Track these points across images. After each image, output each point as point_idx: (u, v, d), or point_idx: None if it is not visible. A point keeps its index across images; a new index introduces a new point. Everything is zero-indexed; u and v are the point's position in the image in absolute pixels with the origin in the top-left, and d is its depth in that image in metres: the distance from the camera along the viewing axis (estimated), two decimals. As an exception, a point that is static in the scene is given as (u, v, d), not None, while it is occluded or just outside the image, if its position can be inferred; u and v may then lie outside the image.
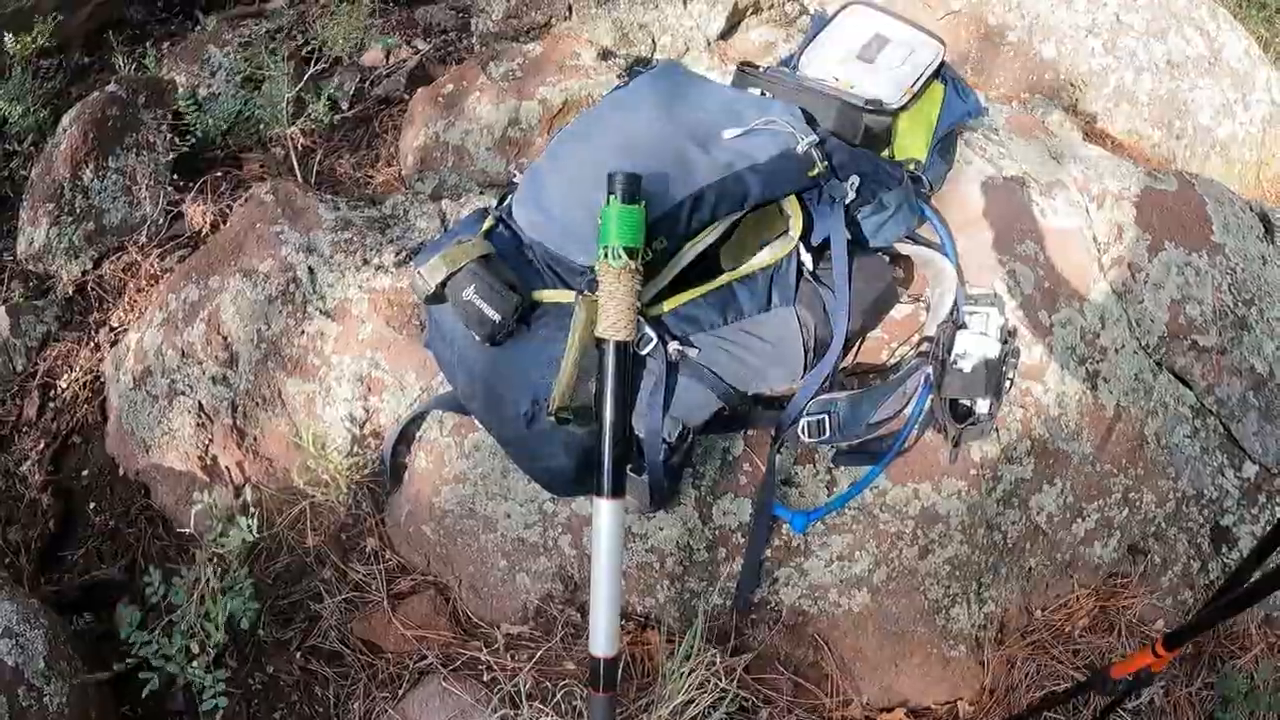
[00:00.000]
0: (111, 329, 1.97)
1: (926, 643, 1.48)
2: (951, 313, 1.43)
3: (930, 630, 1.48)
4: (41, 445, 1.94)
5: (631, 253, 1.14)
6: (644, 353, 1.19)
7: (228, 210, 1.90)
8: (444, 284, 1.19)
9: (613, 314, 1.14)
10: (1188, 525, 1.69)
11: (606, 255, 1.13)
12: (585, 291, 1.18)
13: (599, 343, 1.16)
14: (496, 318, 1.15)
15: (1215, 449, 1.72)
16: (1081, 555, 1.62)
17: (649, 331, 1.18)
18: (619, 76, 1.85)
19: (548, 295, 1.20)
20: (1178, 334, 1.70)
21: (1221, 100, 2.62)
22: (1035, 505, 1.56)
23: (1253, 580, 1.16)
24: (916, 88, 1.55)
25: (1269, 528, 1.75)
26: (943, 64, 1.61)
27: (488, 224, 1.29)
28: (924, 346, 1.42)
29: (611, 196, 1.14)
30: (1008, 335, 1.48)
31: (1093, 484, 1.60)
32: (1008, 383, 1.45)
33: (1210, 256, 1.76)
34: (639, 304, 1.16)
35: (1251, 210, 1.97)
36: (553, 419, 1.16)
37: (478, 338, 1.18)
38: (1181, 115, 2.56)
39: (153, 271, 1.93)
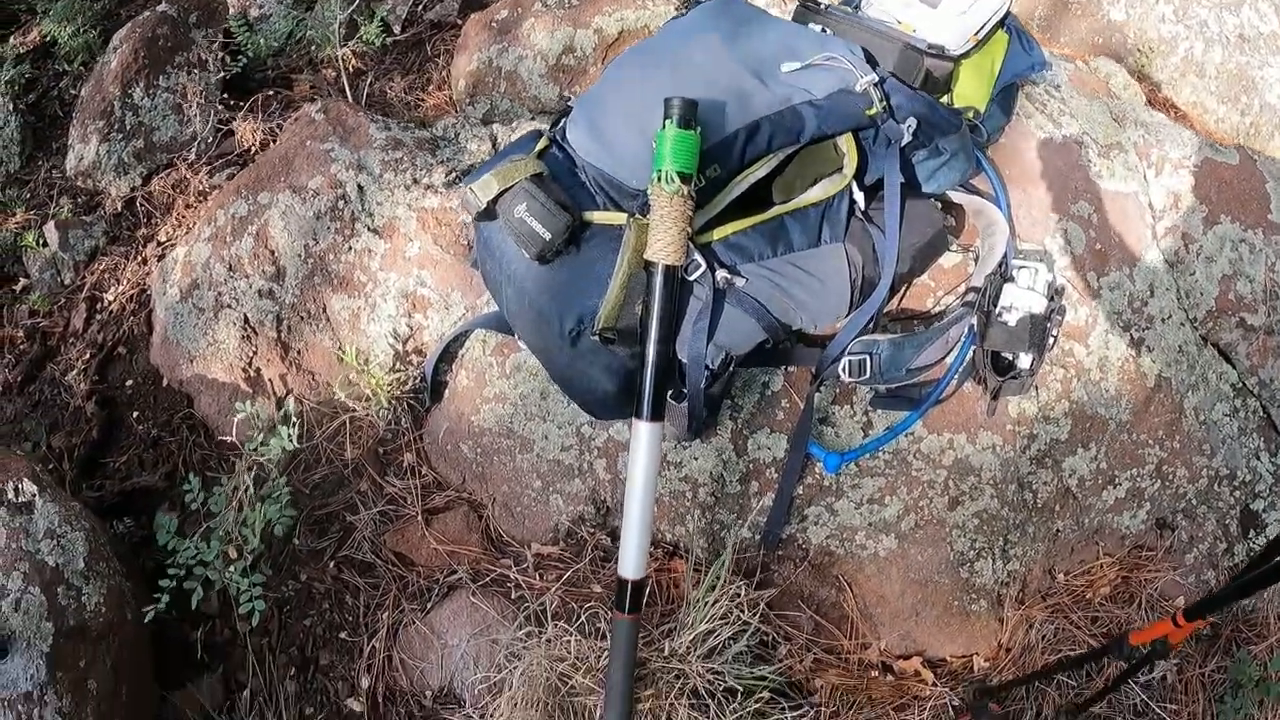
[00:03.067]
0: (159, 244, 2.00)
1: (948, 594, 1.49)
2: (1000, 265, 1.42)
3: (953, 582, 1.49)
4: (87, 355, 1.99)
5: (685, 178, 1.13)
6: (692, 279, 1.19)
7: (277, 129, 1.91)
8: (495, 201, 1.20)
9: (663, 238, 1.14)
10: (1218, 505, 1.68)
11: (660, 179, 1.13)
12: (637, 214, 1.18)
13: (648, 266, 1.16)
14: (547, 236, 1.16)
15: (1253, 431, 1.70)
16: (1109, 523, 1.62)
17: (698, 258, 1.18)
18: (677, 8, 1.82)
19: (599, 217, 1.20)
20: (1226, 310, 1.67)
21: (1291, 79, 2.54)
22: (1068, 468, 1.55)
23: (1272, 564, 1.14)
24: (980, 35, 1.51)
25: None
26: (1008, 14, 1.57)
27: (541, 144, 1.29)
28: (970, 297, 1.41)
29: (667, 121, 1.13)
30: (1055, 293, 1.46)
31: (1127, 452, 1.58)
32: (1051, 340, 1.44)
33: (1266, 235, 1.72)
34: (689, 229, 1.15)
35: (1314, 191, 1.91)
36: (597, 339, 1.17)
37: (527, 255, 1.18)
38: (1249, 91, 2.48)
39: (201, 188, 1.95)
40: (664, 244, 1.14)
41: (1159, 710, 1.59)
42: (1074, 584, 1.64)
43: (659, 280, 1.15)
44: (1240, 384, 1.70)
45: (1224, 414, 1.67)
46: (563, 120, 1.33)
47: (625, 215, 1.18)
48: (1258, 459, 1.71)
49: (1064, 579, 1.64)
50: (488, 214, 1.21)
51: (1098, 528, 1.62)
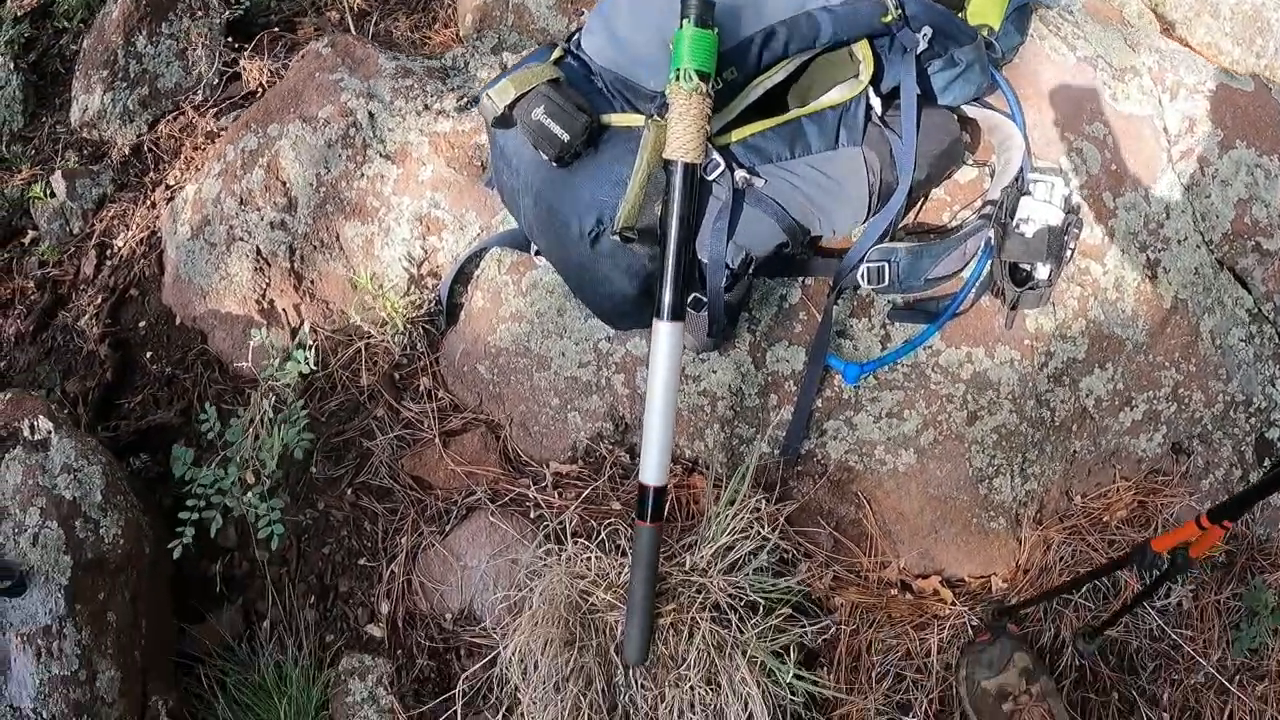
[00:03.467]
0: (168, 187, 2.00)
1: (967, 511, 1.49)
2: (1016, 179, 1.41)
3: (972, 499, 1.49)
4: (99, 300, 1.98)
5: (703, 76, 1.13)
6: (711, 178, 1.19)
7: (283, 70, 1.90)
8: (512, 106, 1.19)
9: (682, 136, 1.13)
10: (1233, 431, 1.68)
11: (678, 78, 1.13)
12: (655, 115, 1.17)
13: (667, 165, 1.16)
14: (565, 137, 1.15)
15: (1269, 358, 1.69)
16: (1126, 446, 1.61)
17: (716, 158, 1.18)
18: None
19: (616, 119, 1.20)
20: (1242, 234, 1.66)
21: (1304, 22, 2.52)
22: (1085, 387, 1.55)
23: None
24: (994, -47, 1.50)
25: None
26: (1022, -68, 1.56)
27: (556, 54, 1.28)
28: (986, 210, 1.41)
29: (685, 20, 1.13)
30: (1071, 207, 1.46)
31: (1143, 374, 1.58)
32: (1068, 252, 1.43)
33: (1282, 161, 1.71)
34: (708, 127, 1.15)
35: (1328, 119, 1.90)
36: (617, 238, 1.16)
37: (545, 157, 1.18)
38: (1264, 34, 2.46)
39: (209, 129, 1.95)
40: (683, 142, 1.13)
41: (1175, 636, 1.59)
42: (1091, 506, 1.64)
43: (678, 178, 1.14)
44: (1256, 309, 1.69)
45: (1240, 339, 1.67)
46: (577, 34, 1.32)
47: (643, 117, 1.18)
48: (1273, 385, 1.70)
49: (1081, 501, 1.64)
50: (504, 121, 1.21)
51: (1114, 450, 1.62)
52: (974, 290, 1.41)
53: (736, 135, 1.21)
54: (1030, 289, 1.39)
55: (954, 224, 1.45)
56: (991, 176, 1.47)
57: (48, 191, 2.19)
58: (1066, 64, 1.64)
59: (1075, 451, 1.59)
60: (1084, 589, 1.53)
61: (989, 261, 1.40)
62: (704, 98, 1.13)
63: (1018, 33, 1.57)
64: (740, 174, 1.19)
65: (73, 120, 2.28)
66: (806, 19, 1.22)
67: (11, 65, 2.51)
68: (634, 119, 1.19)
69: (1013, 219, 1.39)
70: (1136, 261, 1.56)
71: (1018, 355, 1.46)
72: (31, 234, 2.22)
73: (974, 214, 1.43)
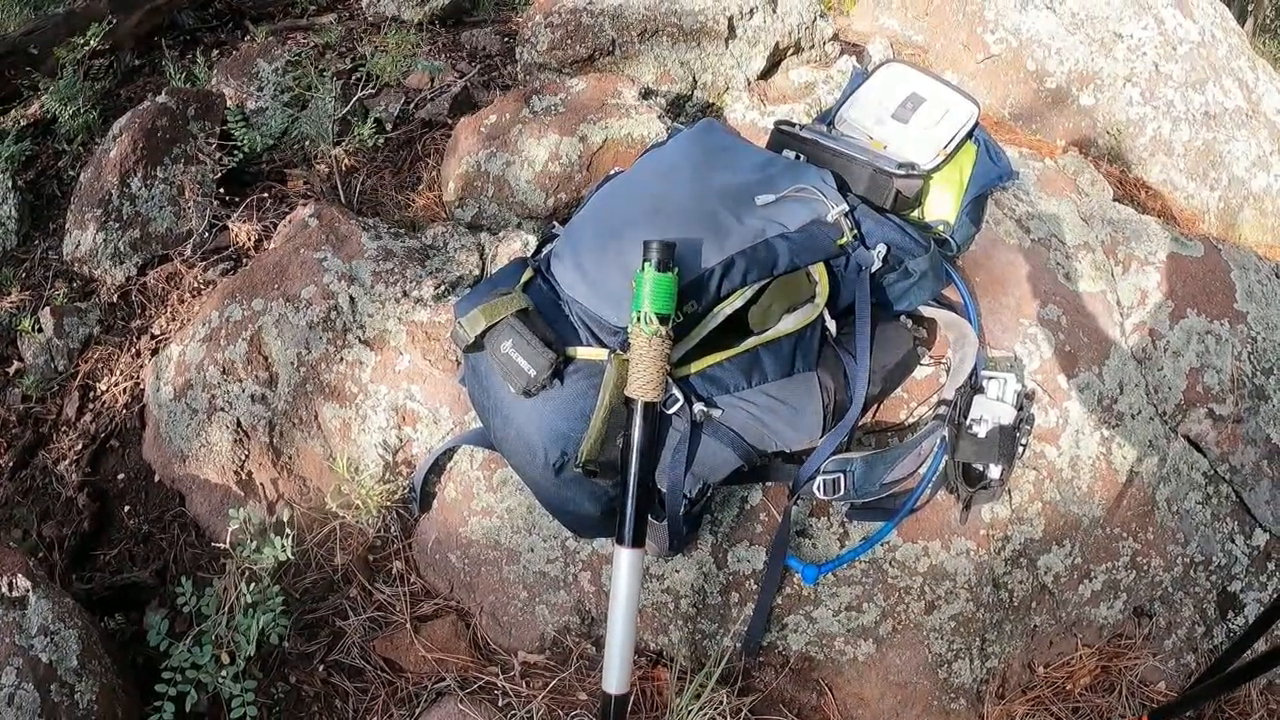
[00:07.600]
0: (152, 337, 2.04)
1: (928, 695, 1.52)
2: (970, 376, 1.47)
3: (932, 683, 1.52)
4: (80, 446, 2.01)
5: (663, 319, 1.18)
6: (670, 412, 1.23)
7: (271, 227, 1.96)
8: (483, 335, 1.24)
9: (642, 376, 1.18)
10: (1194, 590, 1.71)
11: (639, 320, 1.18)
12: (617, 351, 1.22)
13: (628, 401, 1.21)
14: (532, 372, 1.20)
15: (1226, 516, 1.74)
16: (1087, 615, 1.65)
17: (676, 392, 1.23)
18: (660, 118, 1.89)
19: (582, 352, 1.25)
20: (1194, 402, 1.72)
21: (1258, 152, 2.63)
22: (1043, 565, 1.59)
23: (1238, 664, 1.19)
24: (949, 149, 1.58)
25: (1274, 597, 1.77)
26: (976, 125, 1.64)
27: (526, 276, 1.33)
28: (941, 409, 1.46)
29: (646, 264, 1.18)
30: (1023, 401, 1.51)
31: (1101, 546, 1.62)
32: (1021, 448, 1.48)
33: (1232, 325, 1.78)
34: (668, 366, 1.20)
35: (1278, 277, 1.98)
36: (580, 470, 1.21)
37: (513, 390, 1.23)
38: (1217, 166, 2.56)
39: (195, 284, 1.99)
40: (643, 382, 1.18)
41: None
42: (1054, 676, 1.67)
43: (638, 416, 1.19)
44: (1212, 471, 1.74)
45: (1196, 502, 1.71)
46: (545, 248, 1.38)
47: (606, 351, 1.23)
48: (1232, 542, 1.75)
49: (1044, 672, 1.66)
50: (476, 346, 1.26)
51: (1075, 620, 1.65)
52: (930, 487, 1.46)
53: (696, 366, 1.26)
54: (983, 488, 1.44)
55: (911, 421, 1.50)
56: (948, 372, 1.53)
57: (35, 326, 2.22)
58: (1022, 247, 1.71)
59: (1035, 626, 1.63)
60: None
61: (944, 459, 1.45)
62: (664, 340, 1.18)
63: (973, 223, 1.64)
64: (698, 407, 1.24)
65: (65, 252, 2.32)
66: (765, 247, 1.28)
67: (10, 183, 2.55)
68: (598, 353, 1.24)
69: (966, 419, 1.44)
70: (1091, 440, 1.61)
71: (973, 545, 1.50)
72: (16, 365, 2.25)
73: (930, 412, 1.48)
